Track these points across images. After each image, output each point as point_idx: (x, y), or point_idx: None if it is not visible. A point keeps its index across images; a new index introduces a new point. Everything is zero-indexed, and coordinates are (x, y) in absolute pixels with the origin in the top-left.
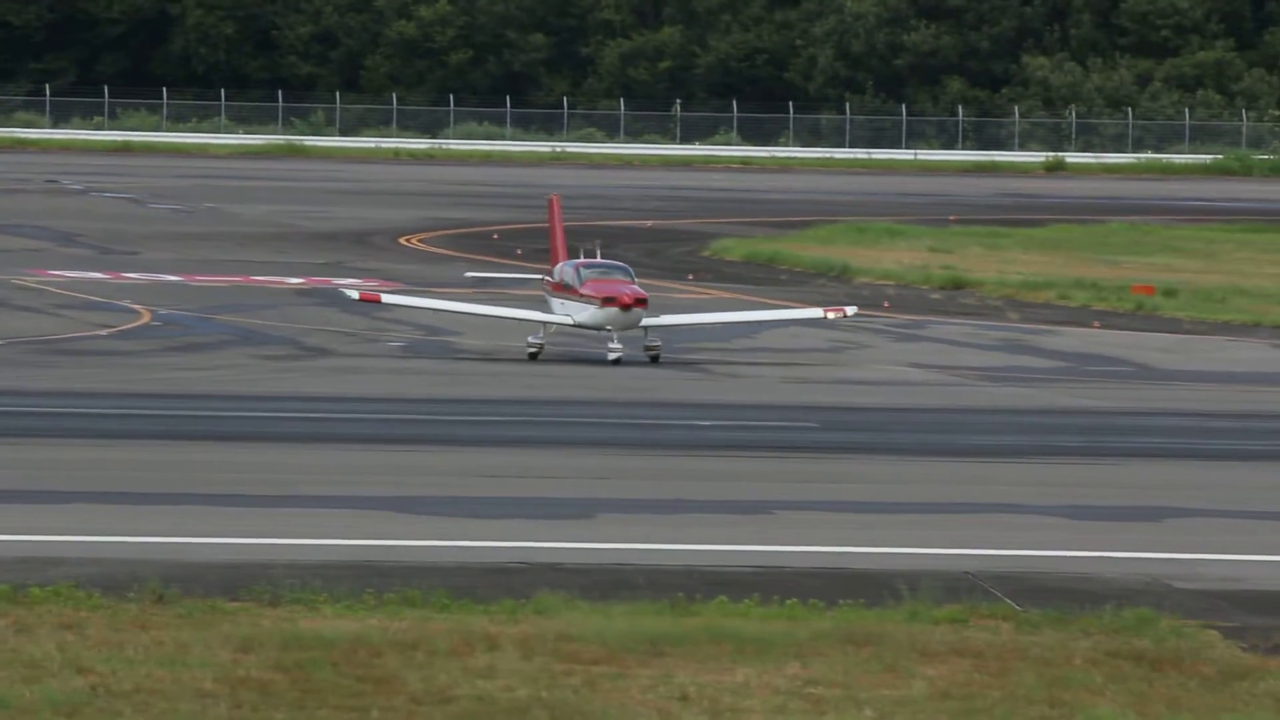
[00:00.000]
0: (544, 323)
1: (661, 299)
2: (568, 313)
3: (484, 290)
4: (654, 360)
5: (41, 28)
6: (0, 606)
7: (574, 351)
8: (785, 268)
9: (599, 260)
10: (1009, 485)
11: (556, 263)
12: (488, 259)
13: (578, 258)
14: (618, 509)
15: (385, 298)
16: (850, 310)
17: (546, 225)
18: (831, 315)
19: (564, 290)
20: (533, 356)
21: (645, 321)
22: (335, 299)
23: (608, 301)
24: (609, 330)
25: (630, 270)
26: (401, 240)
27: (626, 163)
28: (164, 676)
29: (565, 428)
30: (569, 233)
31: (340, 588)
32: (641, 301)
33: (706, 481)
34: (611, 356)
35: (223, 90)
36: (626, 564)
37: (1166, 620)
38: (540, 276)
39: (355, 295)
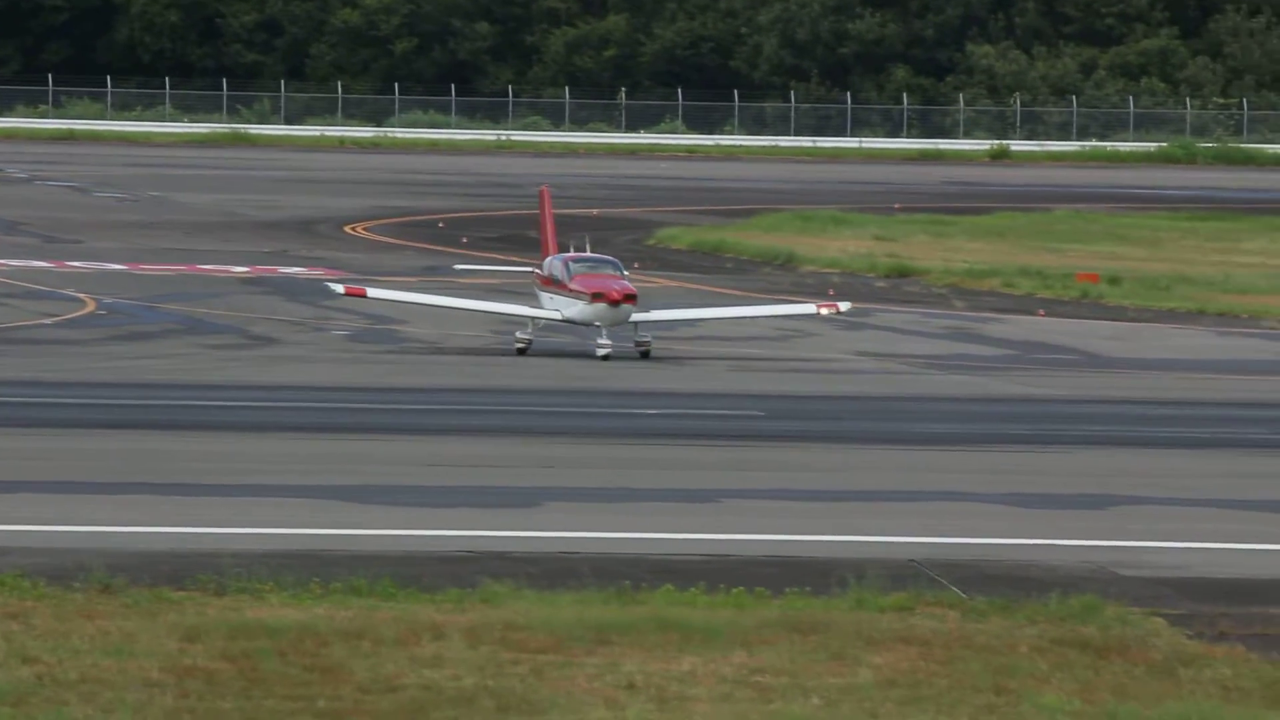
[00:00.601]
0: (532, 318)
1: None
2: (556, 307)
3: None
4: (644, 355)
5: None
6: None
7: (562, 346)
8: (730, 256)
9: (588, 254)
10: (955, 473)
11: (546, 256)
12: (445, 249)
13: (568, 251)
14: (564, 498)
15: (370, 292)
16: (844, 306)
17: (496, 214)
18: (825, 311)
19: (553, 285)
20: (521, 352)
21: (635, 317)
22: (282, 287)
23: (596, 297)
24: (597, 326)
25: (620, 265)
26: (347, 229)
27: (572, 151)
28: (110, 666)
29: (511, 416)
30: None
31: (286, 577)
32: (631, 297)
33: (653, 470)
34: (600, 352)
35: (167, 79)
36: (573, 553)
37: (1112, 608)
38: (531, 270)
39: (340, 289)
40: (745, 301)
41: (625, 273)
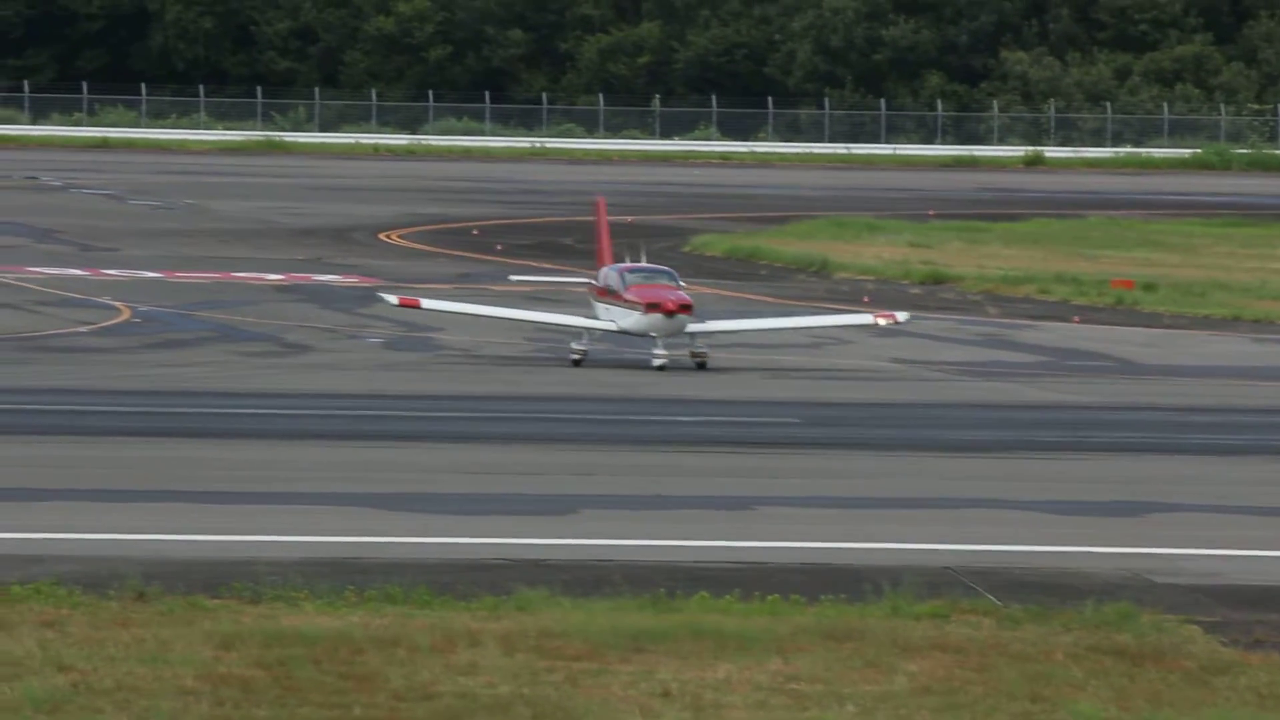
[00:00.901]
0: (588, 328)
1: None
2: (612, 318)
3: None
4: (700, 366)
5: (20, 24)
6: None
7: (619, 357)
8: (765, 263)
9: (644, 265)
10: (990, 480)
11: (602, 266)
12: (478, 256)
13: (623, 261)
14: (599, 505)
15: (425, 303)
16: (902, 316)
17: (530, 220)
18: (883, 322)
19: (608, 295)
20: (576, 363)
21: (691, 327)
22: (317, 295)
23: (652, 307)
24: (653, 336)
25: (675, 275)
26: (381, 236)
27: (606, 158)
28: (145, 674)
29: (546, 424)
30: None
31: (322, 585)
32: (686, 307)
33: (687, 477)
34: (656, 363)
35: (202, 86)
36: (608, 560)
37: (1147, 615)
38: (586, 280)
39: (394, 300)
40: (803, 312)
41: (681, 283)
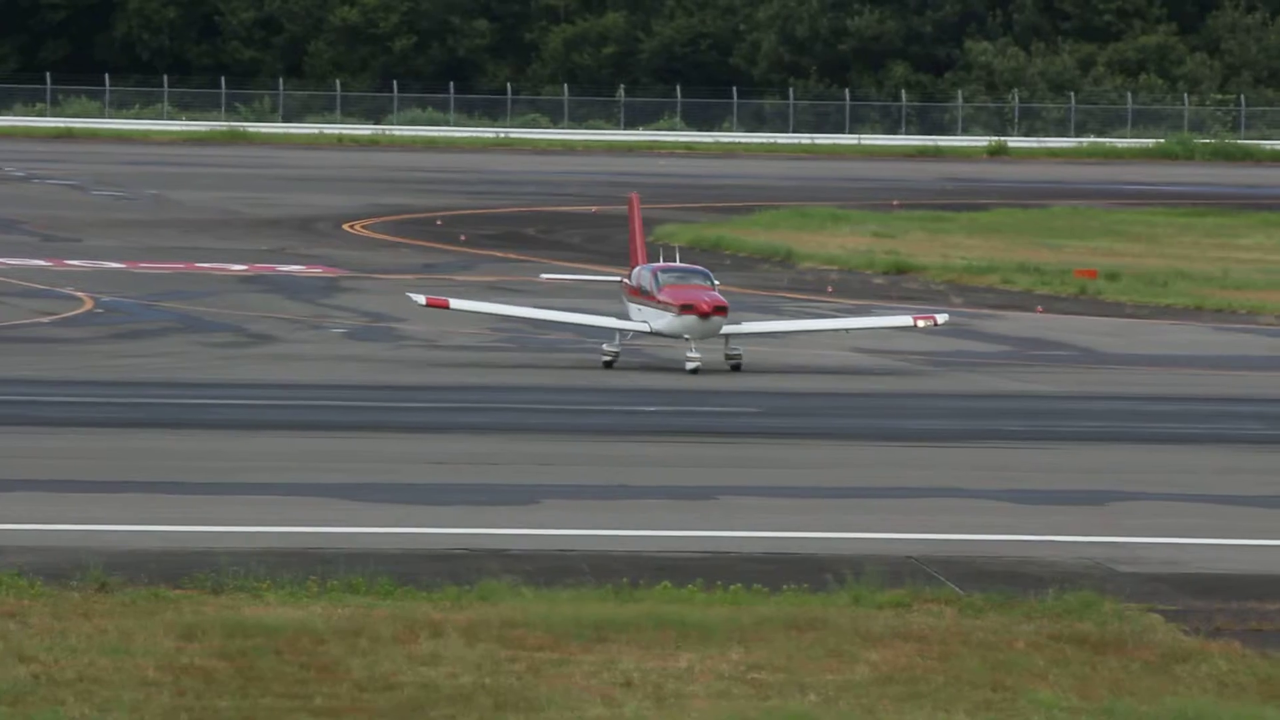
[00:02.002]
0: (620, 330)
1: (608, 286)
2: (645, 319)
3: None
4: (735, 369)
5: None
6: None
7: (653, 358)
8: (730, 253)
9: (677, 265)
10: (952, 469)
11: (635, 265)
12: (442, 247)
13: (658, 260)
14: (562, 495)
15: (453, 303)
16: (941, 318)
17: (494, 211)
18: (921, 324)
19: (641, 295)
20: (608, 365)
21: (725, 329)
22: (281, 285)
23: (685, 309)
24: (686, 339)
25: (710, 275)
26: (345, 226)
27: (571, 148)
28: (107, 665)
29: (509, 414)
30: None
31: (284, 575)
32: (721, 309)
33: (650, 467)
34: (690, 366)
35: (165, 77)
36: (571, 550)
37: (1109, 603)
38: (619, 279)
39: (422, 300)
40: (841, 313)
41: (716, 283)
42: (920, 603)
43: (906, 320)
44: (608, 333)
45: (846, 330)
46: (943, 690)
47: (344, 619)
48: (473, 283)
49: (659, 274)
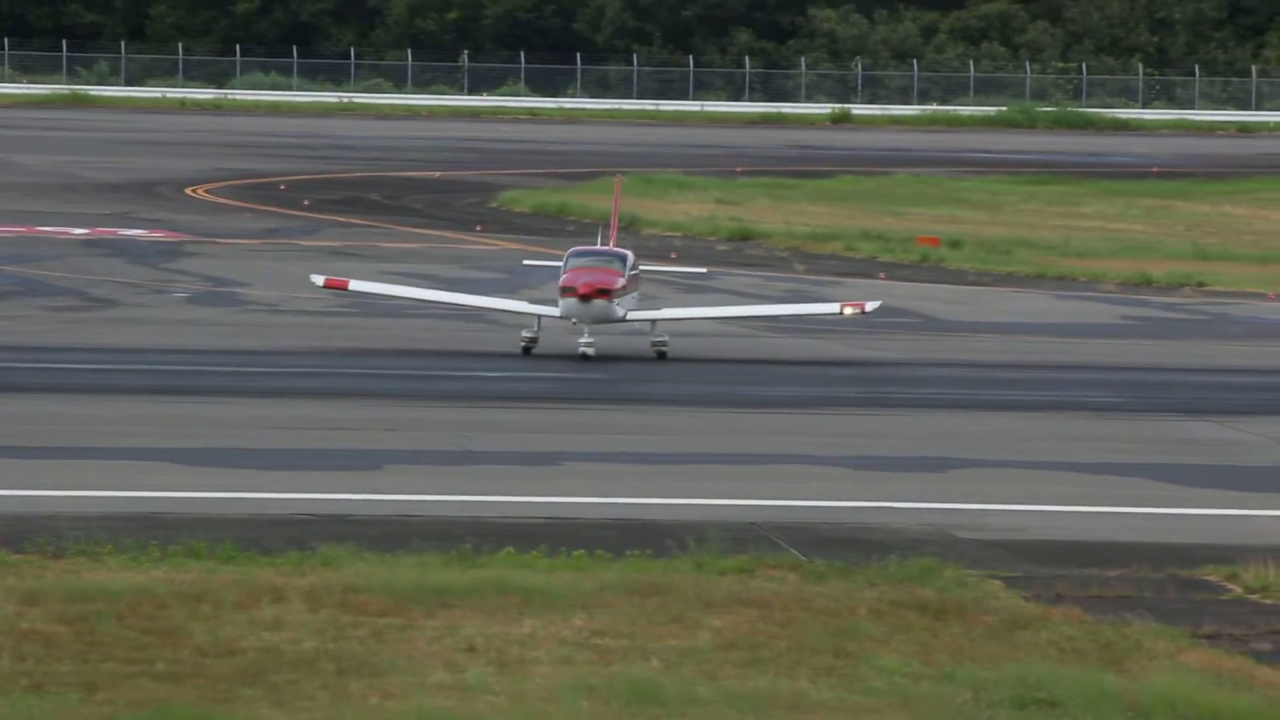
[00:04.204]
0: (538, 315)
1: (453, 250)
2: (555, 303)
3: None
4: (660, 356)
5: None
6: None
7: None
8: (573, 219)
9: (594, 248)
10: (795, 436)
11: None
12: (286, 211)
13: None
14: (405, 460)
15: (353, 284)
16: (870, 305)
17: (338, 175)
18: (849, 311)
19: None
20: (526, 350)
21: (644, 315)
22: (122, 249)
23: (566, 291)
24: (574, 322)
25: (626, 259)
26: (188, 191)
27: (414, 113)
28: None
29: (352, 379)
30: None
31: (125, 540)
32: (604, 293)
33: (494, 432)
34: (580, 350)
35: (5, 39)
36: (413, 515)
37: (950, 570)
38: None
39: (320, 281)
40: (766, 299)
41: (631, 268)
42: (763, 569)
43: (834, 308)
44: (519, 317)
45: (773, 316)
46: (785, 656)
47: (186, 584)
48: (317, 248)
49: (570, 258)
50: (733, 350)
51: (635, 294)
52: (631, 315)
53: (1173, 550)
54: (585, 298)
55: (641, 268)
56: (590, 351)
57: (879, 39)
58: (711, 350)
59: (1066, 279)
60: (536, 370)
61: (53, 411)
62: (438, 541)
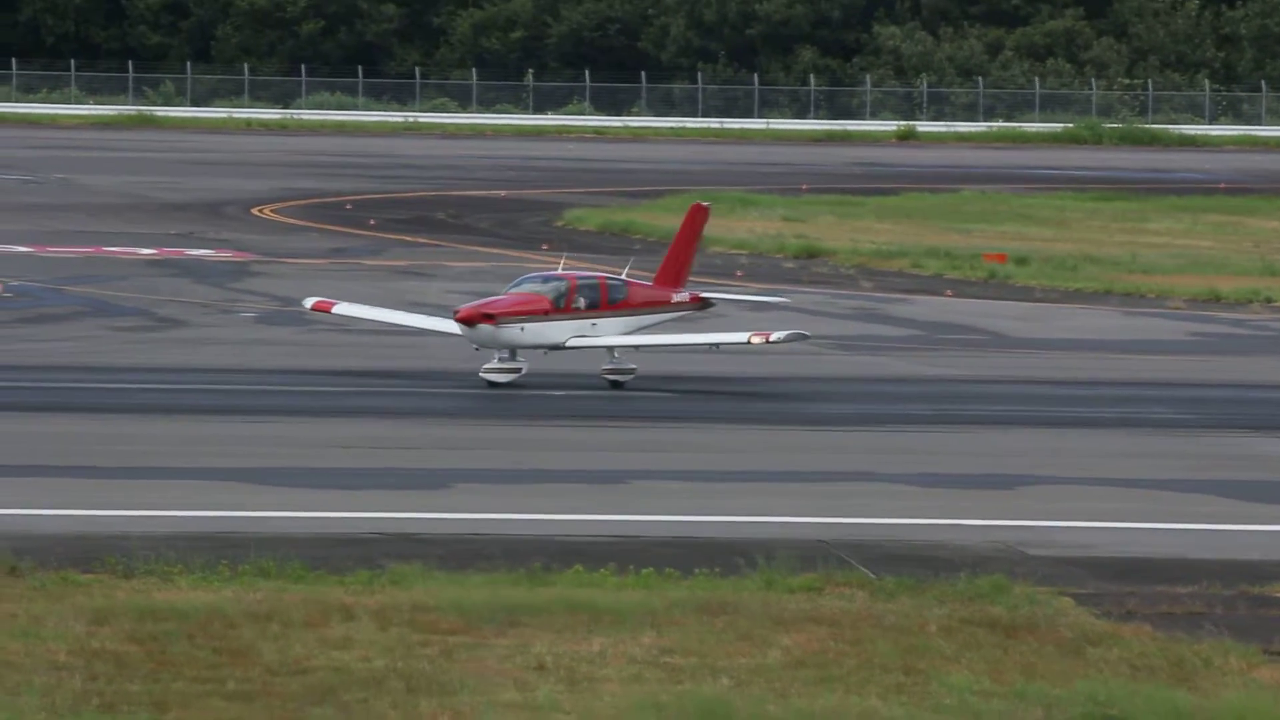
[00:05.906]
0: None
1: (519, 269)
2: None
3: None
4: (614, 386)
5: None
6: None
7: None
8: (639, 237)
9: (545, 274)
10: (864, 454)
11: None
12: (352, 231)
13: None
14: (473, 479)
15: (336, 308)
16: (775, 336)
17: (404, 195)
18: (756, 340)
19: None
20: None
21: (583, 341)
22: (189, 269)
23: (456, 315)
24: (475, 348)
25: (561, 286)
26: (254, 211)
27: (479, 132)
28: (18, 649)
29: (420, 399)
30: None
31: (195, 559)
32: (488, 318)
33: (562, 452)
34: (482, 375)
35: (73, 61)
36: (482, 534)
37: (1020, 587)
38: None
39: (309, 304)
40: (684, 331)
41: (572, 300)
42: (832, 586)
43: (742, 338)
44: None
45: (714, 346)
46: (855, 674)
47: (256, 603)
48: (384, 267)
49: (520, 281)
50: (796, 368)
51: (626, 318)
52: (573, 342)
53: (1243, 567)
54: (465, 321)
55: (716, 295)
56: (497, 379)
57: (944, 56)
58: (772, 368)
59: (1134, 295)
60: (601, 390)
61: (121, 432)
62: (506, 560)
